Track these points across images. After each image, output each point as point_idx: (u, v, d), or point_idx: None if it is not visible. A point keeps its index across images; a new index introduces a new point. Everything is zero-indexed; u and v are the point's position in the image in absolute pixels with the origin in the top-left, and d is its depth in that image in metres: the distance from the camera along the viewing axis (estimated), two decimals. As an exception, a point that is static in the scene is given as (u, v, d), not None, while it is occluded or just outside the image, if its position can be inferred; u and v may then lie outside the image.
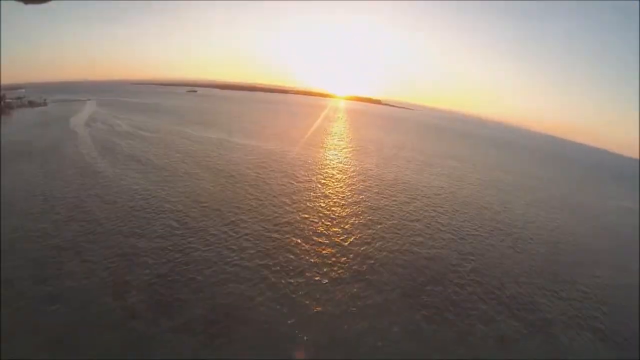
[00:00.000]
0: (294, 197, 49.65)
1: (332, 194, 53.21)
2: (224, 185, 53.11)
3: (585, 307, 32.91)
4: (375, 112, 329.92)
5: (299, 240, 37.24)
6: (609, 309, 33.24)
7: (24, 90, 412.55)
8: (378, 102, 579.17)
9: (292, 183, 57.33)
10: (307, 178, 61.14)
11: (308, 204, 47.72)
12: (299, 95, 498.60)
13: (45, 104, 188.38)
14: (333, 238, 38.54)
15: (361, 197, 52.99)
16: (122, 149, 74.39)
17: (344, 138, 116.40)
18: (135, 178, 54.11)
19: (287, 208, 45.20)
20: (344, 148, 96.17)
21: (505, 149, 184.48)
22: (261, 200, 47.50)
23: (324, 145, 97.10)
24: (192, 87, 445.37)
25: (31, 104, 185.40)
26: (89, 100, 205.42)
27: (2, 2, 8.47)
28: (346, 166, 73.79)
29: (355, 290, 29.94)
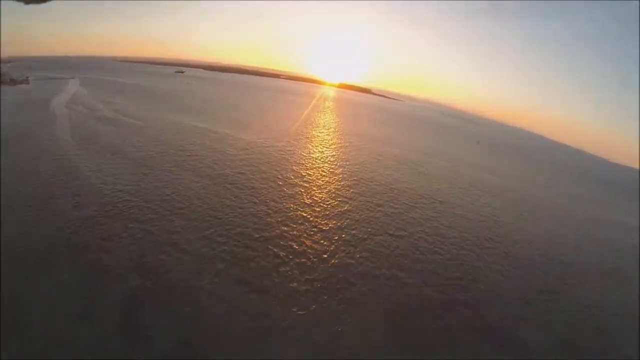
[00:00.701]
0: (277, 205, 47.44)
1: (316, 201, 51.06)
2: (204, 187, 50.54)
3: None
4: (365, 102, 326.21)
5: (277, 259, 35.28)
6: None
7: (9, 64, 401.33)
8: (368, 91, 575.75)
9: (275, 185, 55.05)
10: (292, 181, 58.84)
11: (290, 213, 45.59)
12: (290, 81, 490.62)
13: (27, 81, 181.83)
14: (313, 258, 36.62)
15: (347, 206, 50.96)
16: (101, 138, 70.80)
17: (333, 131, 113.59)
18: (110, 175, 51.05)
19: (269, 219, 42.99)
20: (332, 144, 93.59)
21: (494, 148, 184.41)
22: (241, 207, 45.21)
23: (312, 140, 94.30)
24: (179, 67, 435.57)
25: (12, 81, 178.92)
26: (72, 78, 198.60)
27: (2, 2, 8.88)
28: (334, 167, 71.45)
29: (336, 315, 28.39)
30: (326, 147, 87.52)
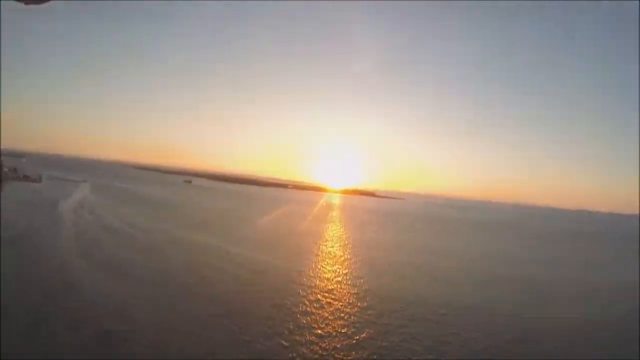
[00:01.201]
0: (291, 338, 43.30)
1: (332, 332, 46.72)
2: (204, 324, 46.80)
3: None
4: (369, 206, 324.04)
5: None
6: None
7: (24, 159, 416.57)
8: (372, 194, 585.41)
9: (286, 314, 51.12)
10: (303, 308, 54.85)
11: (305, 348, 41.39)
12: (296, 190, 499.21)
13: (39, 180, 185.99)
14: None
15: (366, 333, 46.38)
16: (104, 249, 69.11)
17: (342, 244, 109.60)
18: (109, 294, 47.95)
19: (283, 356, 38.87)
20: (342, 259, 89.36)
21: (501, 234, 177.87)
22: (251, 341, 41.25)
23: (321, 257, 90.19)
24: (187, 176, 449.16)
25: (25, 178, 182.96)
26: (84, 182, 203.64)
27: (2, 3, 8.82)
28: (347, 286, 67.20)
29: None
30: (336, 264, 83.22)
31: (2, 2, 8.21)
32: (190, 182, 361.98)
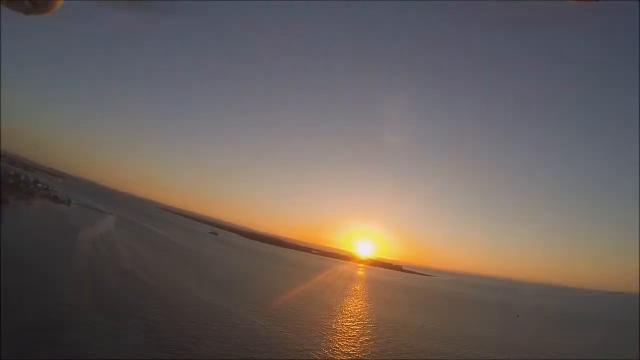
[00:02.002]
0: None
1: None
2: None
3: None
4: (395, 281, 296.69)
5: None
6: None
7: (61, 180, 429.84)
8: (399, 267, 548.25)
9: None
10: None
11: None
12: (321, 256, 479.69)
13: (68, 203, 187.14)
14: None
15: None
16: (109, 292, 62.99)
17: (368, 325, 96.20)
18: (102, 344, 40.82)
19: None
20: (369, 343, 76.70)
21: (534, 319, 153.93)
22: None
23: (346, 339, 77.68)
24: (213, 227, 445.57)
25: (55, 199, 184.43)
26: (110, 214, 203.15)
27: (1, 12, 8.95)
28: None
29: None
30: (363, 349, 70.62)
31: (1, 11, 8.96)
32: (216, 234, 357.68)
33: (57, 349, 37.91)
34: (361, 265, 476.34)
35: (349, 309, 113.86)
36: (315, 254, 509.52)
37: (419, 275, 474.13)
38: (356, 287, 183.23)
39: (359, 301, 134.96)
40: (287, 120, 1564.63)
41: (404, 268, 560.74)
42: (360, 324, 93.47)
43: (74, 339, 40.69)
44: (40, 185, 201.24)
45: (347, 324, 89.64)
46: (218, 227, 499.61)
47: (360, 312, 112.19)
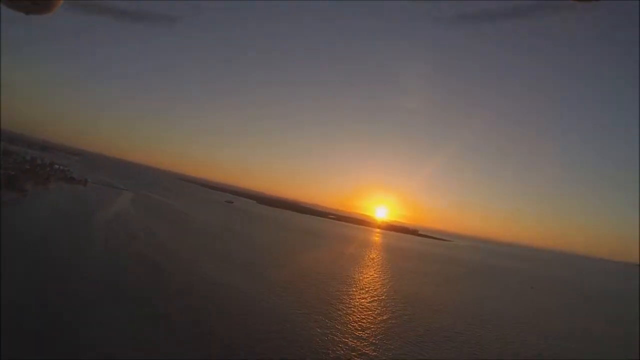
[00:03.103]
0: None
1: None
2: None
3: None
4: (412, 248, 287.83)
5: None
6: None
7: (78, 157, 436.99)
8: (415, 232, 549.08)
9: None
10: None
11: None
12: (337, 222, 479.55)
13: (85, 183, 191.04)
14: None
15: None
16: (125, 278, 65.23)
17: (383, 300, 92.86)
18: (109, 337, 42.97)
19: None
20: (383, 324, 73.96)
21: (550, 291, 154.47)
22: None
23: (356, 323, 75.34)
24: (229, 196, 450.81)
25: (72, 180, 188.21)
26: (127, 190, 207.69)
27: (2, 12, 10.02)
28: None
29: None
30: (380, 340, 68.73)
31: (1, 11, 9.92)
32: (231, 202, 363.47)
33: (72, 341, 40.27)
34: (378, 230, 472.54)
35: (372, 284, 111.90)
36: (332, 218, 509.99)
37: (435, 240, 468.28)
38: (374, 257, 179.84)
39: (377, 274, 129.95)
40: (305, 89, 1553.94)
41: (419, 232, 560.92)
42: (378, 300, 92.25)
43: (87, 335, 42.90)
44: (57, 167, 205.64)
45: (365, 302, 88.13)
46: (235, 195, 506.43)
47: (382, 292, 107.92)
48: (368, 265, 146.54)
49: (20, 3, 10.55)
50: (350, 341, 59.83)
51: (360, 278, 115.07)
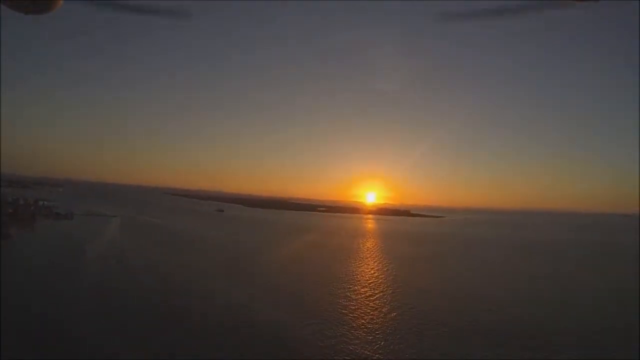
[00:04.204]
0: None
1: None
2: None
3: None
4: (406, 230, 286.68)
5: None
6: None
7: (61, 189, 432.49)
8: (407, 213, 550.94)
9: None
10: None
11: None
12: (327, 213, 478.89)
13: (71, 217, 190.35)
14: None
15: None
16: (126, 314, 66.16)
17: (381, 289, 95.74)
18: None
19: None
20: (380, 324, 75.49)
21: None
22: None
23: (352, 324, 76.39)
24: (219, 204, 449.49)
25: (57, 216, 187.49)
26: (114, 217, 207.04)
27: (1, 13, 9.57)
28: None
29: None
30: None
31: (1, 11, 10.05)
32: (222, 211, 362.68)
33: None
34: (370, 216, 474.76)
35: (366, 278, 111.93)
36: (322, 211, 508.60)
37: (428, 219, 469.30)
38: (368, 248, 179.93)
39: (374, 266, 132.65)
40: (282, 78, 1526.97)
41: (412, 212, 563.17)
42: (373, 291, 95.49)
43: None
44: (41, 203, 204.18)
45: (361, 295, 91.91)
46: (223, 201, 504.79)
47: (371, 277, 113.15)
48: (368, 258, 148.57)
49: (19, 3, 10.54)
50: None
51: (358, 273, 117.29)
